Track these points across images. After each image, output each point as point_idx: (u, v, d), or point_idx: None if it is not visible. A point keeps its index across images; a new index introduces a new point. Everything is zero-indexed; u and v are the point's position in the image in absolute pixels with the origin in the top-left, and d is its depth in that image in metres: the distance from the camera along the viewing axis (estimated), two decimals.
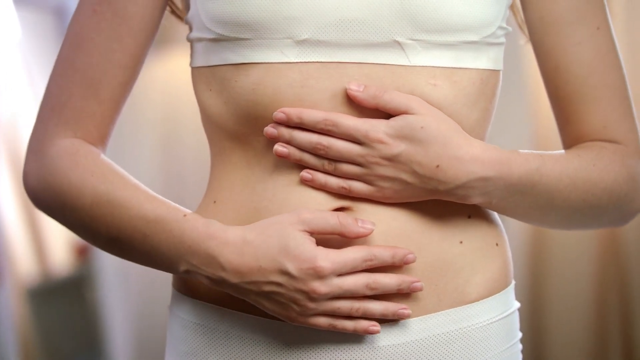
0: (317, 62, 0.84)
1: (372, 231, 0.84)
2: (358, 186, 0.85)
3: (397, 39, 0.83)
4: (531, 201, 0.88)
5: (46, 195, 0.92)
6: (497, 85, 0.91)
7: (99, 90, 0.92)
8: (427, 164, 0.83)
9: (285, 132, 0.84)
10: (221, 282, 0.84)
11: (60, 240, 3.39)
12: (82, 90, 0.91)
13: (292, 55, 0.84)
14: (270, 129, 0.85)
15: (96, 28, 0.91)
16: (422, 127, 0.83)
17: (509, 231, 0.99)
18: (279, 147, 0.85)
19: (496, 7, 0.87)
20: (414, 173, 0.83)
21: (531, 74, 2.40)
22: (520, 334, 0.95)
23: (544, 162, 0.88)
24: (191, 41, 0.92)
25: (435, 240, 0.87)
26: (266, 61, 0.84)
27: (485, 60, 0.88)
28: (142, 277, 2.86)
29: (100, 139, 0.94)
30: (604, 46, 0.94)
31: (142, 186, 0.90)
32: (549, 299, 2.48)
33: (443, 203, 0.87)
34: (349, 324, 0.84)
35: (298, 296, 0.82)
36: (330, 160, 0.85)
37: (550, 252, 2.48)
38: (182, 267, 0.86)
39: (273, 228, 0.83)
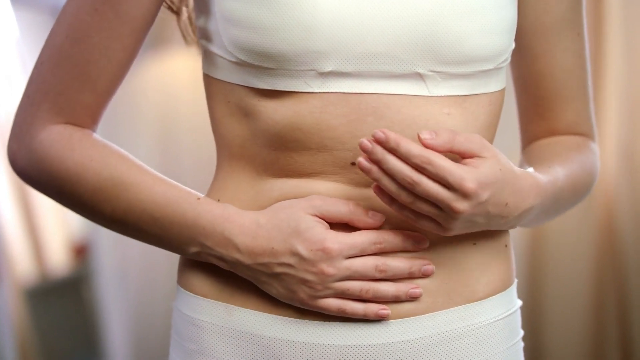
0: (339, 92, 0.84)
1: (382, 222, 0.85)
2: (427, 225, 0.84)
3: (418, 71, 0.84)
4: (546, 213, 0.94)
5: (39, 178, 0.93)
6: (503, 100, 0.93)
7: (96, 85, 0.92)
8: (499, 203, 0.84)
9: (380, 151, 0.81)
10: (235, 263, 0.86)
11: (58, 240, 3.39)
12: (79, 84, 0.91)
13: (316, 86, 0.84)
14: (366, 142, 0.81)
15: (97, 27, 0.90)
16: (500, 170, 0.83)
17: None
18: (364, 161, 0.82)
19: (510, 35, 0.89)
20: (487, 214, 0.84)
21: None
22: (522, 332, 0.97)
23: (558, 176, 0.92)
24: (206, 49, 0.92)
25: (448, 240, 0.88)
26: (289, 90, 0.85)
27: (494, 84, 0.90)
28: (140, 277, 2.86)
29: (92, 123, 0.94)
30: (581, 50, 0.99)
31: (146, 166, 0.91)
32: (547, 298, 2.48)
33: None
34: (358, 307, 0.85)
35: (308, 277, 0.84)
36: (410, 193, 0.82)
37: (548, 251, 2.48)
38: (193, 249, 0.88)
39: (285, 212, 0.85)
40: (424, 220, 0.83)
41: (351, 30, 0.83)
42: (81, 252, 3.42)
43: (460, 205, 0.81)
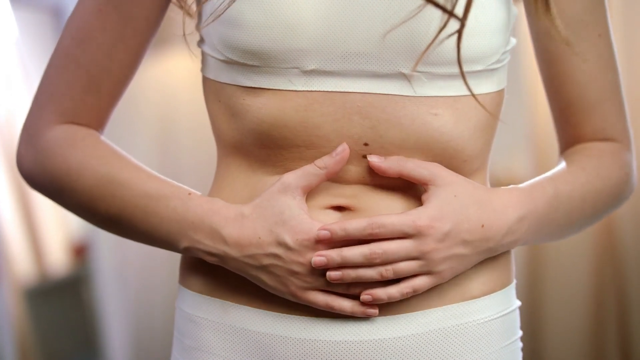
0: (323, 91, 0.85)
1: (348, 151, 0.85)
2: (420, 283, 0.85)
3: (402, 71, 0.84)
4: (555, 225, 0.93)
5: (43, 178, 0.94)
6: (501, 103, 0.92)
7: (100, 87, 0.93)
8: (474, 228, 0.85)
9: (335, 255, 0.83)
10: (223, 256, 0.86)
11: (57, 241, 3.39)
12: (84, 86, 0.93)
13: (300, 84, 0.85)
14: (318, 259, 0.83)
15: (101, 27, 0.91)
16: (455, 196, 0.84)
17: None
18: (332, 274, 0.83)
19: (501, 36, 0.87)
20: (465, 242, 0.85)
21: (528, 75, 2.40)
22: (520, 332, 0.96)
23: (557, 186, 0.92)
24: (201, 50, 0.93)
25: None
26: (274, 87, 0.85)
27: (489, 85, 0.89)
28: (139, 277, 2.86)
29: (98, 126, 0.96)
30: (605, 52, 0.96)
31: (143, 166, 0.92)
32: (547, 299, 2.48)
33: None
34: (346, 304, 0.85)
35: (295, 268, 0.84)
36: (385, 265, 0.83)
37: (548, 252, 2.48)
38: (183, 244, 0.88)
39: (266, 200, 0.85)
40: (415, 281, 0.84)
41: (333, 29, 0.83)
42: (81, 252, 3.42)
43: (426, 245, 0.83)
